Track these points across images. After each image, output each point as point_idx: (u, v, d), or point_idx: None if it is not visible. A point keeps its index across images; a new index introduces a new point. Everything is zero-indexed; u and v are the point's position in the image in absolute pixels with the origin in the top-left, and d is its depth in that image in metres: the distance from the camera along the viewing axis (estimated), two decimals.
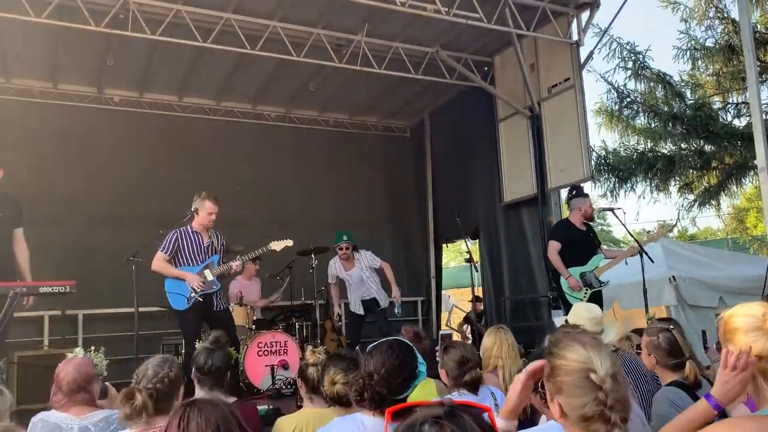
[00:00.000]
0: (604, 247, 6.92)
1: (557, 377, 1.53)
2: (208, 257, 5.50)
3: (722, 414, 2.53)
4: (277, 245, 5.97)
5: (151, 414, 2.27)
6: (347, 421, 2.23)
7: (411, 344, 2.25)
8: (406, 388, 2.17)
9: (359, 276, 7.53)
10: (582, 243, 6.55)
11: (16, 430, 2.23)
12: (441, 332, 3.91)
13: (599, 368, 1.47)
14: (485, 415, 1.02)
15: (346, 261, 7.53)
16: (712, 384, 2.85)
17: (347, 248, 7.48)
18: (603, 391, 1.44)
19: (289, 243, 6.10)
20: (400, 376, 2.16)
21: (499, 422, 1.70)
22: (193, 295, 5.29)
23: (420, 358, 2.22)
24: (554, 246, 6.57)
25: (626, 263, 6.68)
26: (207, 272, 5.41)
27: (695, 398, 2.71)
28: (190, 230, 5.52)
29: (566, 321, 3.75)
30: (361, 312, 7.58)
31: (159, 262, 5.40)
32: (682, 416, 2.01)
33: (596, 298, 6.37)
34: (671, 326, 2.83)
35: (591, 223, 6.79)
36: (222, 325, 5.53)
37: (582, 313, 3.70)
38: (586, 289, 6.37)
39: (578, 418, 1.47)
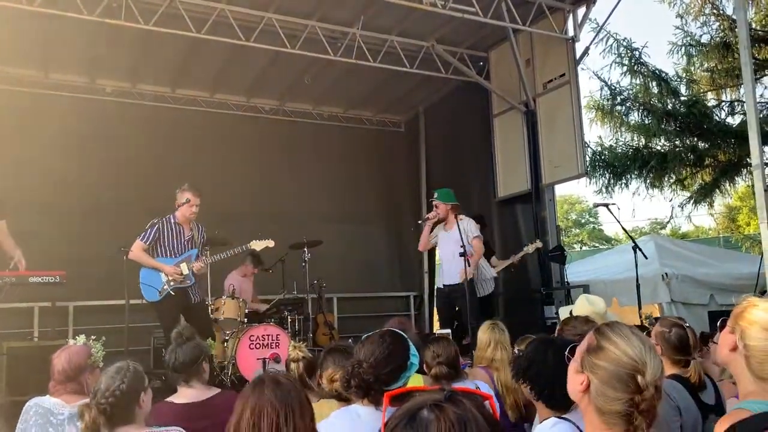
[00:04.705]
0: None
1: (600, 360, 1.47)
2: (187, 250, 5.43)
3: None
4: (257, 245, 5.93)
5: (108, 427, 2.26)
6: (343, 412, 2.24)
7: (405, 335, 2.23)
8: (396, 378, 2.16)
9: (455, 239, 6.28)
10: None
11: None
12: (437, 332, 3.90)
13: (648, 372, 1.41)
14: (486, 403, 1.00)
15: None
16: (714, 385, 2.82)
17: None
18: (642, 395, 1.39)
19: (270, 244, 6.05)
20: (389, 366, 2.15)
21: None
22: (165, 287, 5.24)
23: (413, 350, 2.20)
24: None
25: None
26: (183, 266, 5.35)
27: (697, 399, 2.68)
28: (172, 221, 5.45)
29: (570, 313, 3.73)
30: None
31: (137, 252, 5.33)
32: None
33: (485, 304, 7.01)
34: (686, 324, 2.86)
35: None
36: (197, 318, 5.46)
37: (585, 306, 3.68)
38: None
39: (602, 407, 1.44)
